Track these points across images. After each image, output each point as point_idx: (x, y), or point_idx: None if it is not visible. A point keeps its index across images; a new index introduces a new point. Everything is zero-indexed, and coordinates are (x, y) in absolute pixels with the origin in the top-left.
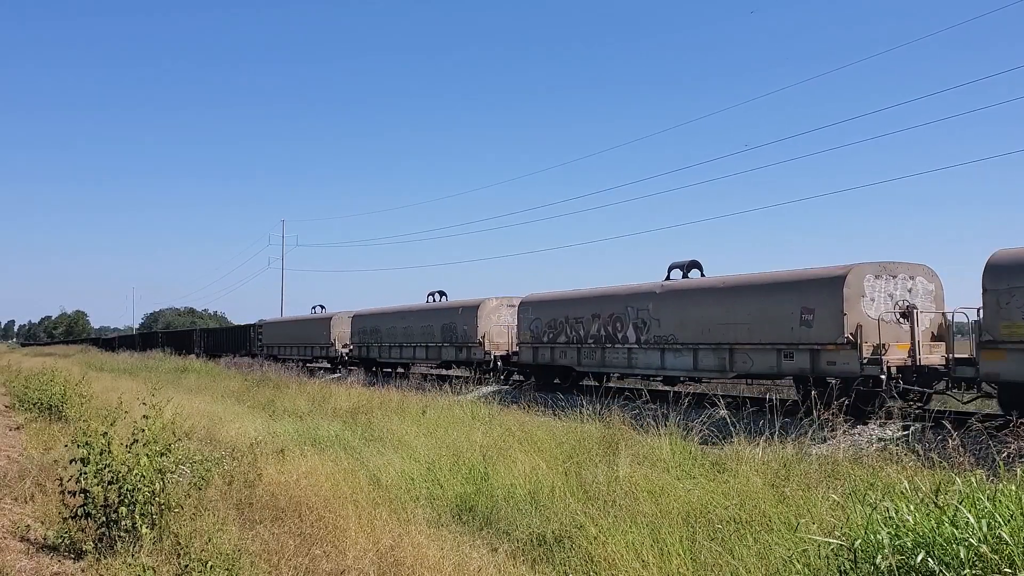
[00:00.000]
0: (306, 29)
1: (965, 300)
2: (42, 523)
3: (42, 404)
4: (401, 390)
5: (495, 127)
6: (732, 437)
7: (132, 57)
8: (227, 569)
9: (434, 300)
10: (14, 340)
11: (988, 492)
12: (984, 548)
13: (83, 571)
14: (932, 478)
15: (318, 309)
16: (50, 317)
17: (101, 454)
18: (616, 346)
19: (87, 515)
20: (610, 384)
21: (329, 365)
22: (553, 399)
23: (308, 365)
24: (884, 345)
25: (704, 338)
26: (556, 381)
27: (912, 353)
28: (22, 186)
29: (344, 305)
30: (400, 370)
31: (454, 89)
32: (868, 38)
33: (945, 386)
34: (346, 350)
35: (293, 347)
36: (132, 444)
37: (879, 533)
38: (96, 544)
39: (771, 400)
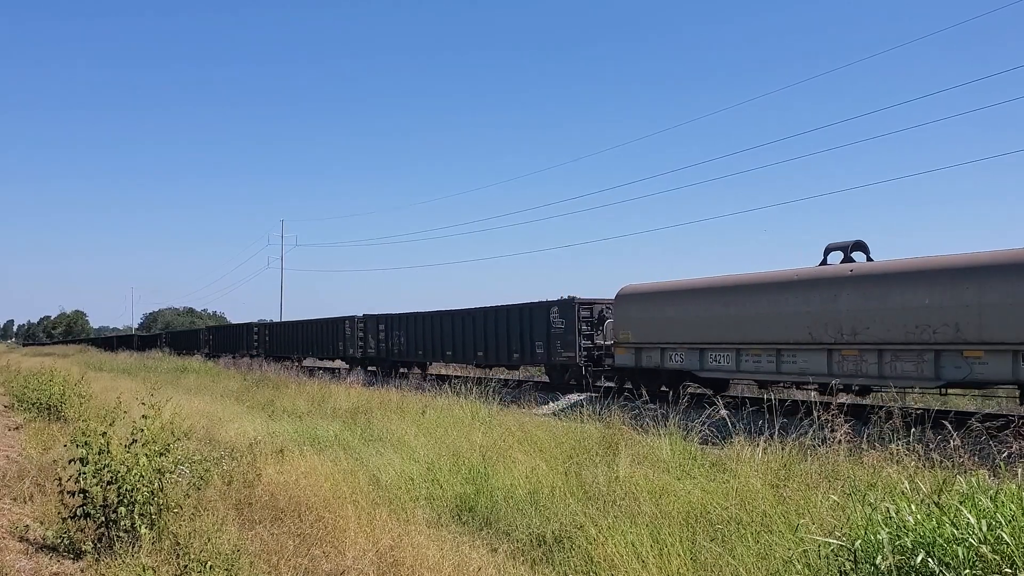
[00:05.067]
0: (306, 29)
1: None
2: (41, 523)
3: (41, 404)
4: (401, 390)
5: (496, 127)
6: (732, 437)
7: (132, 57)
8: (226, 569)
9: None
10: (13, 340)
11: (990, 492)
12: (984, 548)
13: (82, 571)
14: (933, 478)
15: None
16: (49, 317)
17: (100, 454)
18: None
19: (86, 515)
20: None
21: None
22: (552, 399)
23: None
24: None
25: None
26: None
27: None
28: (22, 186)
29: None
30: None
31: (454, 89)
32: (868, 38)
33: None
34: None
35: (795, 353)
36: (131, 444)
37: (879, 533)
38: (95, 544)
39: (769, 400)
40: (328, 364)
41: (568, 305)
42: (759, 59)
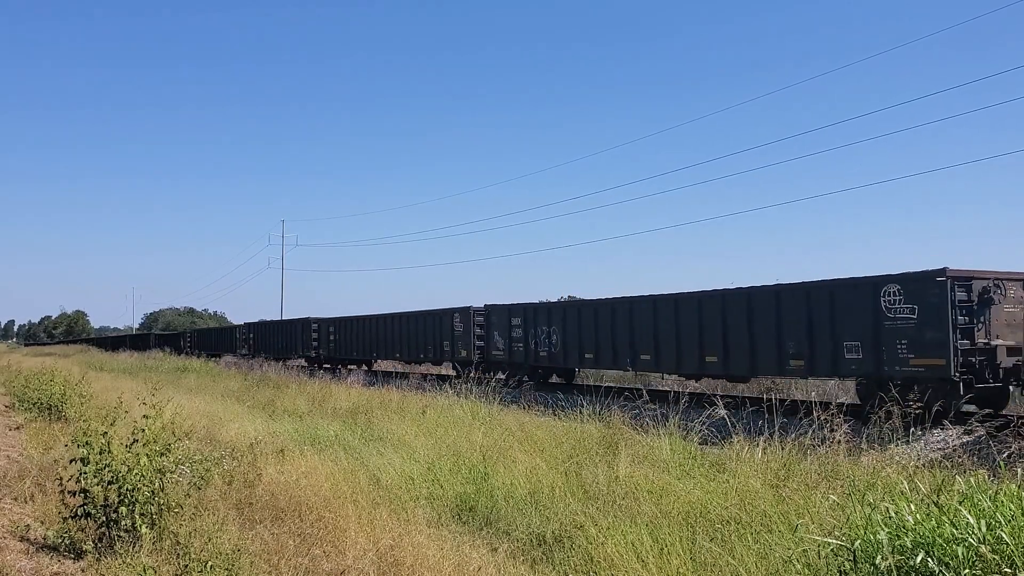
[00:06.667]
0: (307, 29)
1: None
2: (42, 523)
3: (42, 404)
4: (401, 390)
5: (496, 127)
6: (732, 437)
7: (132, 57)
8: (227, 569)
9: None
10: (14, 340)
11: (989, 492)
12: (984, 548)
13: (83, 571)
14: (932, 478)
15: None
16: (50, 317)
17: (101, 454)
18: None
19: (87, 515)
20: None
21: None
22: (553, 399)
23: None
24: None
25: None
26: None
27: None
28: (22, 186)
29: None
30: None
31: (455, 89)
32: (868, 38)
33: None
34: None
35: None
36: (132, 444)
37: (879, 533)
38: (96, 544)
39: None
40: (420, 369)
41: (924, 281)
42: (759, 59)
